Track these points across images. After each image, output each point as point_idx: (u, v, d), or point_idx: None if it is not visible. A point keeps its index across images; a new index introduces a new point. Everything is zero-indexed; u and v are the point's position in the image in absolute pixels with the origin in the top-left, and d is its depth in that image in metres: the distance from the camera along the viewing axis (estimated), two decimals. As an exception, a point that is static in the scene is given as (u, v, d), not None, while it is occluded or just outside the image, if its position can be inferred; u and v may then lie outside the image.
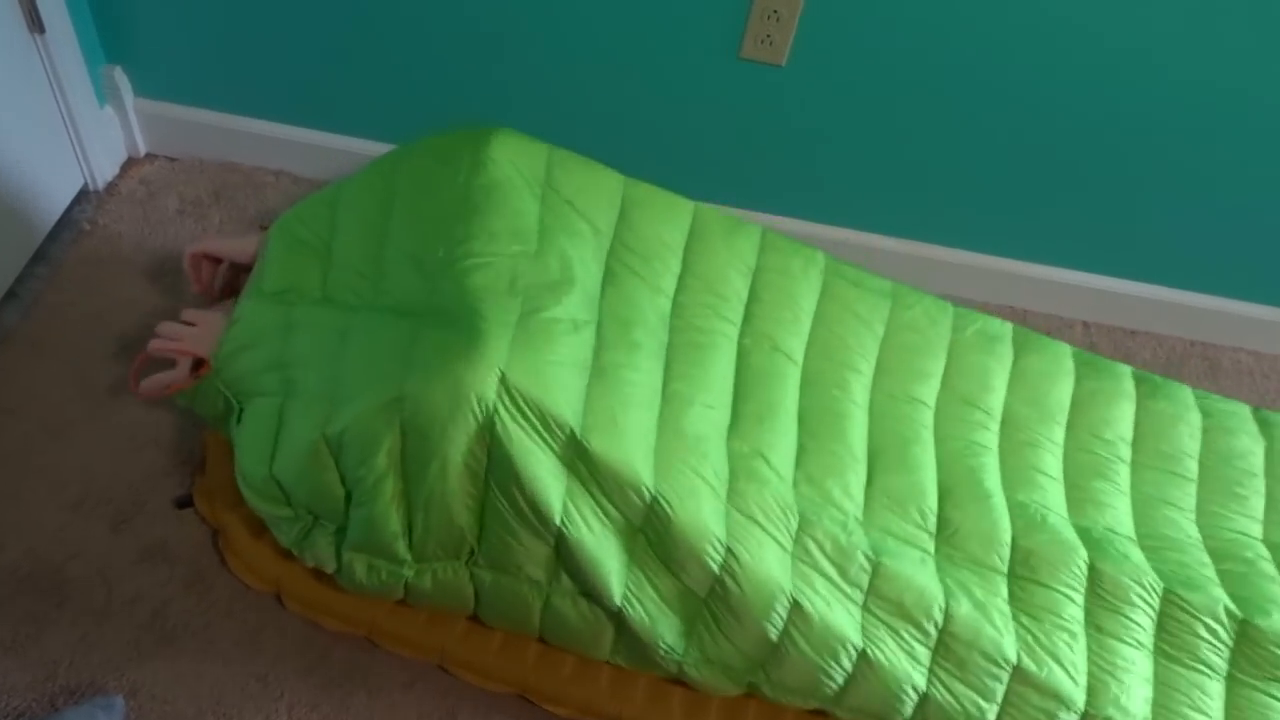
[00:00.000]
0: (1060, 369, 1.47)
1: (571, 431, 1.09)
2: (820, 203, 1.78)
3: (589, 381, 1.15)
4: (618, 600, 1.14)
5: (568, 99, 1.67)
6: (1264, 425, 1.51)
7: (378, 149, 1.80)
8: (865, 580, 1.19)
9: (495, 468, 1.09)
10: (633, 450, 1.12)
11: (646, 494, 1.11)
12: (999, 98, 1.57)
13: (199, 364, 1.33)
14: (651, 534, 1.13)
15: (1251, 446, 1.47)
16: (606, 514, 1.13)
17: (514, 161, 1.30)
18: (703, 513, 1.12)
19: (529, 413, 1.07)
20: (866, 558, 1.19)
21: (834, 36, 1.51)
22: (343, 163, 1.82)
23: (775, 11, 1.49)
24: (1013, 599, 1.22)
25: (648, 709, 1.24)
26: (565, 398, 1.10)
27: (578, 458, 1.11)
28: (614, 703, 1.24)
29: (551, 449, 1.09)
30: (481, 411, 1.06)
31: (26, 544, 1.34)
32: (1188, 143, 1.59)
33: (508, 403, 1.06)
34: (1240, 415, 1.50)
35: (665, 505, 1.11)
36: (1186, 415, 1.47)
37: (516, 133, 1.34)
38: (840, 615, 1.15)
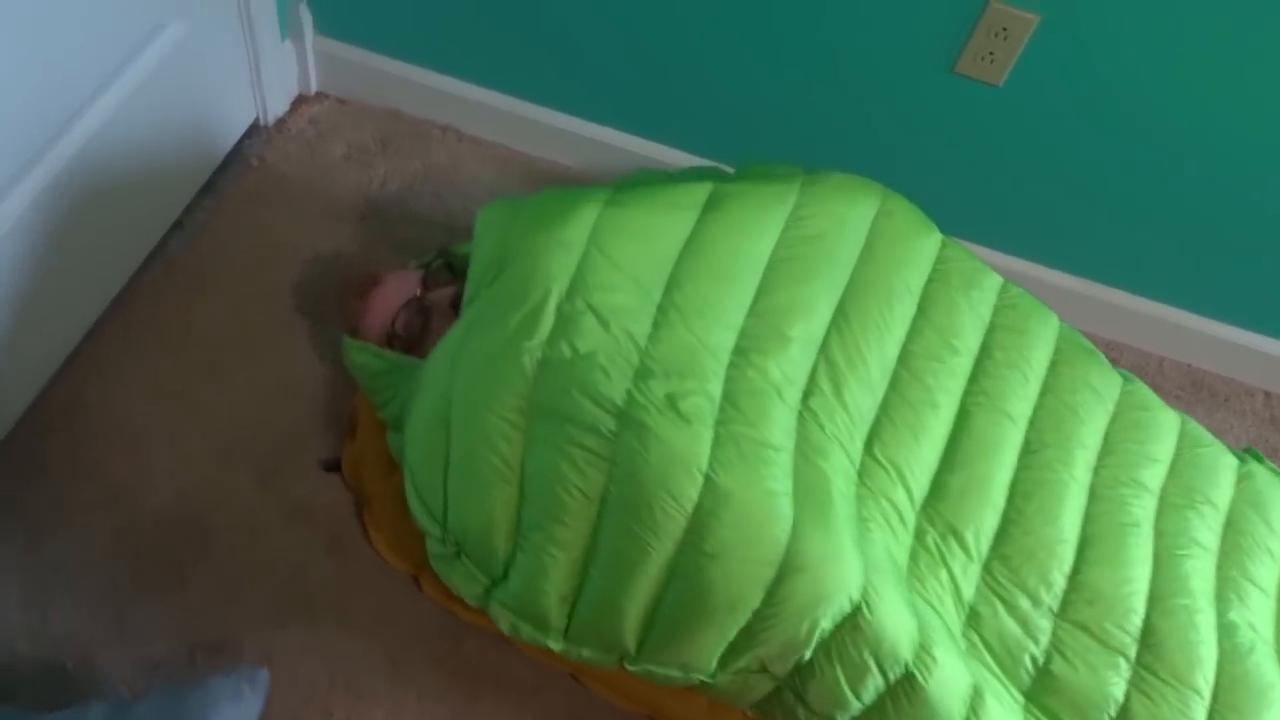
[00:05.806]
0: None
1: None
2: (1009, 232, 1.67)
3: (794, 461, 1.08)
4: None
5: (764, 95, 1.58)
6: None
7: (545, 115, 1.75)
8: (1028, 682, 1.13)
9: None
10: (848, 555, 1.05)
11: (851, 602, 1.04)
12: (1225, 154, 1.43)
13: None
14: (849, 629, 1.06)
15: None
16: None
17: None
18: (897, 615, 1.05)
19: None
20: (1033, 660, 1.13)
21: (1062, 62, 1.40)
22: (510, 125, 1.77)
23: (1004, 29, 1.38)
24: None
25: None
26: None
27: None
28: (747, 741, 1.20)
29: None
30: None
31: (176, 486, 1.33)
32: None
33: None
34: None
35: (867, 611, 1.04)
36: None
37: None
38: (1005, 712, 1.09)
